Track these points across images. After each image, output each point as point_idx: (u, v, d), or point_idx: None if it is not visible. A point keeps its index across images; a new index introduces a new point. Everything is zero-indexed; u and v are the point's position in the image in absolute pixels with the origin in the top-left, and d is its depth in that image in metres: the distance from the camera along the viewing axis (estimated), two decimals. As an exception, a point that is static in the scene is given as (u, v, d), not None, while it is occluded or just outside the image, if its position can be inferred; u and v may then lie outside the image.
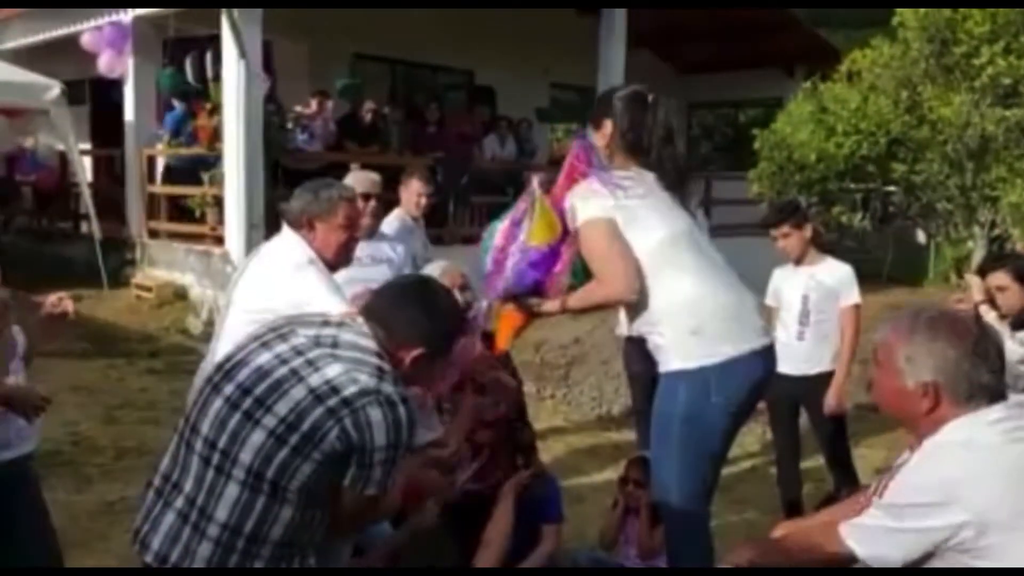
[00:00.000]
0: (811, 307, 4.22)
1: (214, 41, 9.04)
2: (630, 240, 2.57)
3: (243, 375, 1.98)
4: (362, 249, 3.92)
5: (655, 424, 2.63)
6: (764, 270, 4.43)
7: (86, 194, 9.85)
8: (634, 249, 2.57)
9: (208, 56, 9.53)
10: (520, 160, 10.96)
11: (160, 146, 10.20)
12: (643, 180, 2.67)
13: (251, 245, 8.34)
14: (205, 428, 1.97)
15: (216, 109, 9.17)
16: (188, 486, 1.95)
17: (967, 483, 1.70)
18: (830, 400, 4.14)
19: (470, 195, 10.17)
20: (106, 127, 11.67)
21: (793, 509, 4.20)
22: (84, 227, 10.80)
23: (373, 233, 4.10)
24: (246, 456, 1.90)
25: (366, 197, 4.05)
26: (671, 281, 2.56)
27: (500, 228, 2.77)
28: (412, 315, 2.06)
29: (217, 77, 9.19)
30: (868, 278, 13.90)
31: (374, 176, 4.28)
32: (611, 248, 2.58)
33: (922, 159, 9.32)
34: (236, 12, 8.40)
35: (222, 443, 1.93)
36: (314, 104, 9.53)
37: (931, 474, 1.74)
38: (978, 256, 9.82)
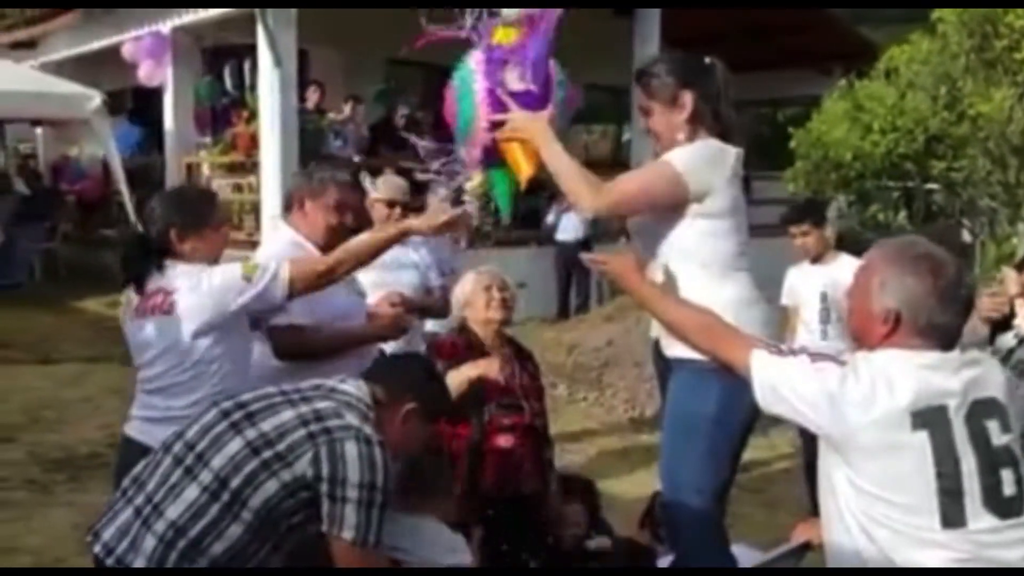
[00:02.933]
0: (830, 304, 4.18)
1: (252, 50, 9.18)
2: (703, 229, 2.44)
3: (245, 397, 2.11)
4: (387, 253, 3.96)
5: (677, 420, 2.54)
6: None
7: (128, 202, 10.04)
8: (704, 242, 2.45)
9: (247, 65, 9.69)
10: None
11: (202, 153, 10.39)
12: (738, 162, 2.51)
13: (287, 250, 8.45)
14: (190, 434, 2.06)
15: (253, 116, 9.31)
16: (151, 484, 2.02)
17: (839, 405, 1.75)
18: None
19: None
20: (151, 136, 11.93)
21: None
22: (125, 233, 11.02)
23: None
24: (218, 462, 1.97)
25: (391, 204, 4.08)
26: (725, 281, 2.47)
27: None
28: (411, 371, 2.26)
29: (255, 86, 9.35)
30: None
31: (401, 182, 4.29)
32: (644, 178, 2.52)
33: (962, 156, 9.14)
34: (271, 21, 8.53)
35: (200, 446, 2.01)
36: (347, 109, 9.63)
37: (830, 378, 1.79)
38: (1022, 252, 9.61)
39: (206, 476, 1.96)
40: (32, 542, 4.10)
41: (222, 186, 10.35)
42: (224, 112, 10.50)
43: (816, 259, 4.27)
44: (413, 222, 2.80)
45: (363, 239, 2.75)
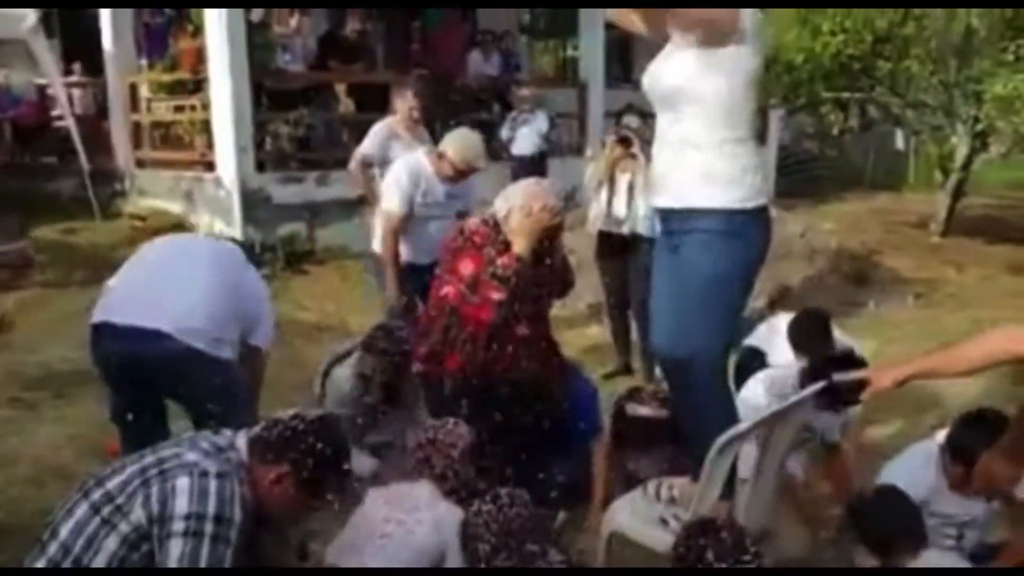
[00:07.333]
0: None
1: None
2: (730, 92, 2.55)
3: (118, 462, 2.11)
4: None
5: (692, 282, 2.54)
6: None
7: (73, 127, 9.71)
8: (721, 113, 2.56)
9: (185, -21, 9.35)
10: (505, 76, 10.88)
11: (143, 75, 10.07)
12: None
13: (242, 168, 8.33)
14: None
15: (198, 31, 9.03)
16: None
17: None
18: None
19: (456, 112, 10.10)
20: (79, 57, 11.50)
21: None
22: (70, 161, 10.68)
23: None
24: (64, 530, 1.94)
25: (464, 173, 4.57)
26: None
27: None
28: (299, 438, 2.07)
29: (197, -1, 9.02)
30: (851, 185, 13.91)
31: (478, 144, 4.64)
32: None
33: (907, 56, 9.33)
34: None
35: (57, 518, 2.01)
36: (293, 22, 9.38)
37: None
38: (962, 153, 9.93)
39: (52, 547, 1.94)
40: (31, 452, 4.11)
41: (162, 108, 10.08)
42: (160, 31, 10.20)
43: None
44: None
45: None
